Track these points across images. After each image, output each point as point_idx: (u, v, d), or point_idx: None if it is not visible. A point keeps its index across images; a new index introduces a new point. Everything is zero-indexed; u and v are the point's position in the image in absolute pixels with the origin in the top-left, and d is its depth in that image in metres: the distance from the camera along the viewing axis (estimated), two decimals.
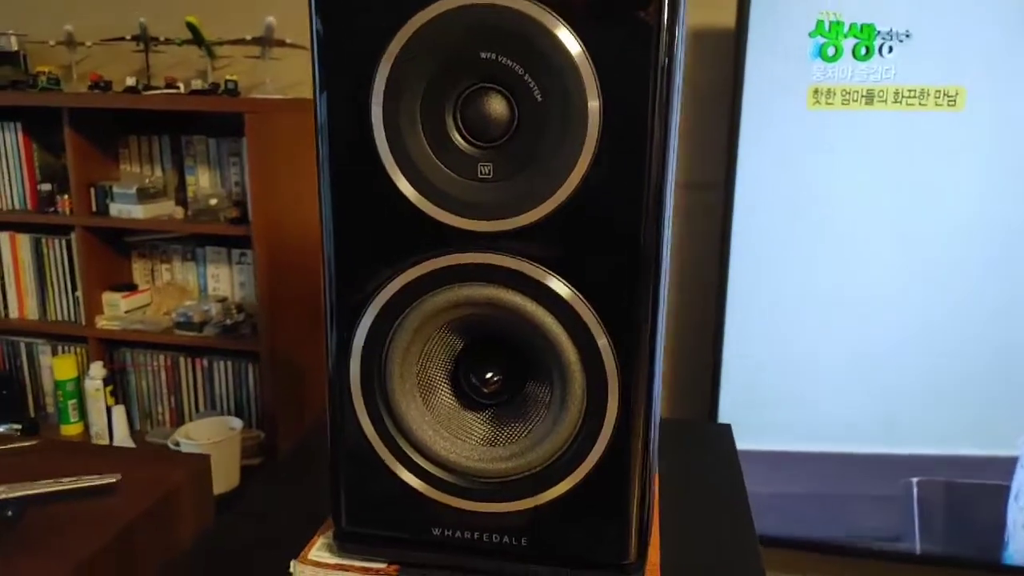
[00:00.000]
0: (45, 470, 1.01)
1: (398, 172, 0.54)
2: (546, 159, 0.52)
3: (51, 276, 1.97)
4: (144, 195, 1.83)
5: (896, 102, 1.47)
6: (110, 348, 1.97)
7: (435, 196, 0.54)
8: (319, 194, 0.56)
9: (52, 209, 1.90)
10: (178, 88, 1.86)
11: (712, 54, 1.68)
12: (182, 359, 1.95)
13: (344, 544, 0.62)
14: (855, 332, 1.58)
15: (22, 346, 2.05)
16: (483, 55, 0.51)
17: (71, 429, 1.94)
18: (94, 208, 1.87)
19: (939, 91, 1.45)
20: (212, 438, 1.70)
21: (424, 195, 0.54)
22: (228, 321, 1.87)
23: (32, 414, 2.05)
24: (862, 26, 1.44)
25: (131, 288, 1.98)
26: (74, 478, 0.99)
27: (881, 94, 1.47)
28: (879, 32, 1.44)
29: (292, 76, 1.86)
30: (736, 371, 1.64)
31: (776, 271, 1.59)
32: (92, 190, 1.86)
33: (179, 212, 1.91)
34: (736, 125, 1.54)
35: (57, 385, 1.93)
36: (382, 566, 0.62)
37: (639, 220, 0.52)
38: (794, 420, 1.63)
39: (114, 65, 1.93)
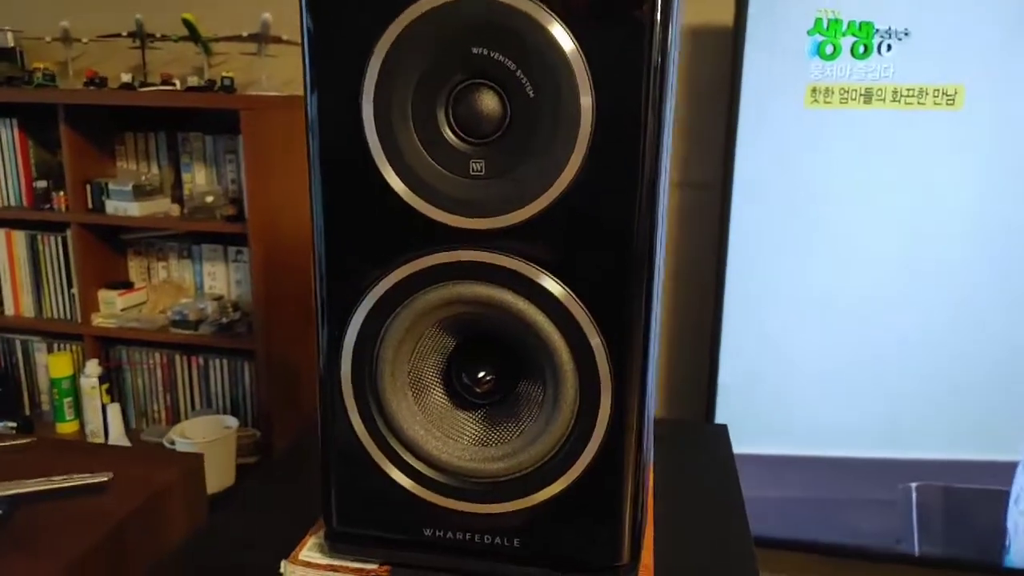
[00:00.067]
0: (37, 468, 1.01)
1: (389, 168, 0.53)
2: (538, 156, 0.51)
3: (47, 273, 1.96)
4: (140, 192, 1.83)
5: (895, 101, 1.46)
6: (106, 346, 1.97)
7: (426, 193, 0.53)
8: (310, 191, 0.56)
9: (48, 206, 1.89)
10: (174, 85, 1.85)
11: (710, 52, 1.67)
12: (178, 357, 1.95)
13: (335, 544, 0.62)
14: (854, 333, 1.57)
15: (17, 343, 2.04)
16: (475, 50, 0.50)
17: (66, 427, 1.93)
18: (90, 205, 1.86)
19: (938, 90, 1.45)
20: (207, 436, 1.69)
21: (415, 192, 0.53)
22: (224, 319, 1.87)
23: (27, 412, 2.05)
24: (861, 24, 1.44)
25: (127, 286, 1.97)
26: (65, 476, 0.99)
27: (880, 93, 1.46)
28: (878, 30, 1.44)
29: (288, 73, 1.85)
30: (733, 372, 1.63)
31: (774, 271, 1.58)
32: (88, 187, 1.85)
33: (175, 209, 1.91)
34: (734, 124, 1.53)
35: (53, 383, 1.93)
36: (373, 567, 0.61)
37: (632, 218, 0.52)
38: (792, 423, 1.62)
39: (110, 62, 1.93)
